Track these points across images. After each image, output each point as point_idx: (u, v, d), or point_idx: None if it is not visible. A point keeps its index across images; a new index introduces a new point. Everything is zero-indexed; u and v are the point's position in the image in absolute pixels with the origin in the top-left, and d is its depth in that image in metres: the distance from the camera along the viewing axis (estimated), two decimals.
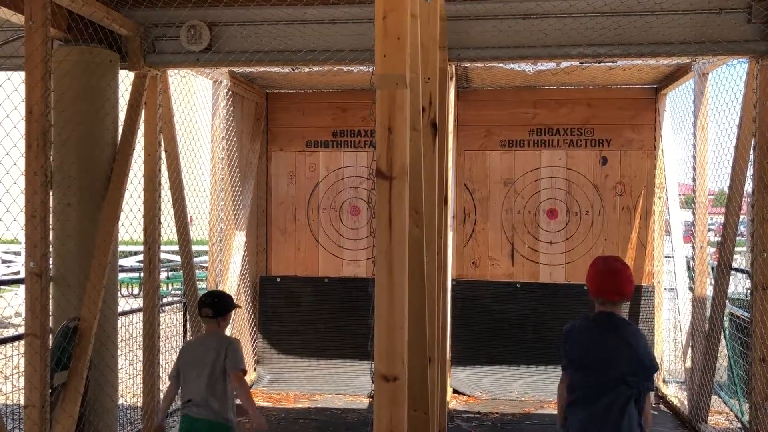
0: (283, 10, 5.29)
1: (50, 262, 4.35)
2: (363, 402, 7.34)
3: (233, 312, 4.27)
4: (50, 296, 4.37)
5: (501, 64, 5.90)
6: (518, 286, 7.87)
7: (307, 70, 6.35)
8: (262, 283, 8.21)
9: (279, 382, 7.90)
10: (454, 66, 6.19)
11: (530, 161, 7.98)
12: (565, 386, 3.48)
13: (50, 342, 4.35)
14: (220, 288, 7.12)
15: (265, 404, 7.28)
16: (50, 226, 4.31)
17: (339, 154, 8.23)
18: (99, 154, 5.10)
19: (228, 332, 7.25)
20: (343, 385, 7.76)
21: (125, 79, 5.46)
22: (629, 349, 3.29)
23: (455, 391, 7.61)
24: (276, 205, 8.33)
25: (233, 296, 7.34)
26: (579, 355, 3.41)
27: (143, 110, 5.50)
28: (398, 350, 2.51)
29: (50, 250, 4.30)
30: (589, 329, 3.45)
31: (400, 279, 2.52)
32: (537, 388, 7.53)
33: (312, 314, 8.11)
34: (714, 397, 6.61)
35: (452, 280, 7.58)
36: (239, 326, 7.66)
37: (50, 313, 4.38)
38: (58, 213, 4.87)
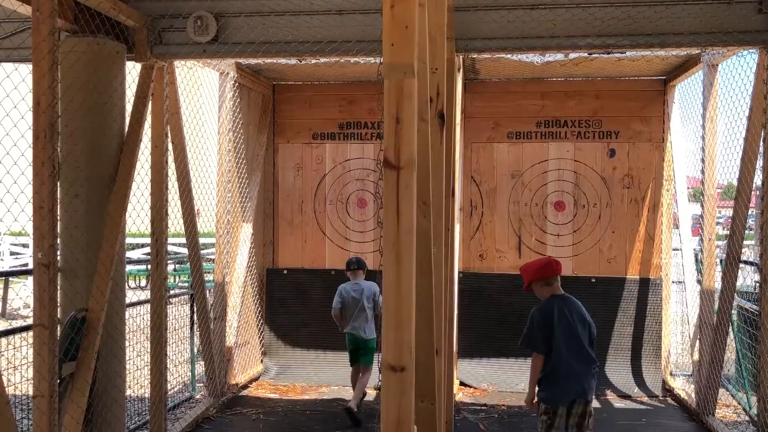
0: (289, 0, 5.28)
1: (58, 253, 4.36)
2: (370, 394, 7.35)
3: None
4: (58, 287, 4.38)
5: (509, 55, 5.88)
6: None
7: (314, 61, 6.34)
8: (269, 275, 8.22)
9: (286, 373, 7.92)
10: (461, 57, 6.17)
11: (538, 153, 7.95)
12: (541, 361, 4.45)
13: (58, 333, 4.37)
14: (227, 280, 7.14)
15: (272, 396, 7.30)
16: (58, 217, 4.31)
17: (346, 146, 8.21)
18: (106, 146, 5.10)
19: (236, 323, 7.32)
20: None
21: (132, 70, 5.45)
22: (589, 327, 4.47)
23: (462, 384, 7.61)
24: (283, 197, 8.33)
25: (241, 288, 7.39)
26: (556, 335, 4.39)
27: (150, 102, 5.49)
28: (406, 341, 2.50)
29: (58, 241, 4.31)
30: (559, 312, 4.46)
31: (408, 269, 2.51)
32: None
33: (319, 306, 8.10)
34: (721, 390, 6.59)
35: (459, 272, 7.57)
36: (246, 318, 7.68)
37: (58, 304, 4.39)
38: (66, 204, 4.87)
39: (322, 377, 7.81)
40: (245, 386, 7.55)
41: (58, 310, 4.40)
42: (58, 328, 4.39)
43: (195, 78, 6.73)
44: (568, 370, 4.33)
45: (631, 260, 7.81)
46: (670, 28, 5.08)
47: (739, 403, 6.86)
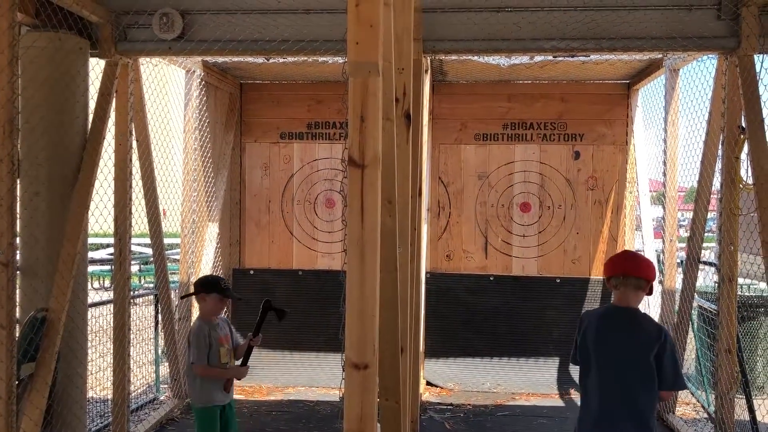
0: None
1: (17, 251, 4.28)
2: (336, 394, 7.32)
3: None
4: (17, 286, 4.29)
5: (475, 57, 5.92)
6: (491, 278, 7.93)
7: (281, 60, 6.30)
8: (236, 276, 8.16)
9: (252, 374, 7.76)
10: (429, 58, 6.19)
11: (504, 155, 8.03)
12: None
13: (17, 333, 4.28)
14: (192, 280, 7.05)
15: (238, 397, 7.23)
16: (17, 215, 4.23)
17: (314, 146, 8.19)
18: (68, 143, 5.01)
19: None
20: (317, 377, 7.75)
21: (96, 66, 5.37)
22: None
23: (428, 383, 7.64)
24: (250, 197, 8.28)
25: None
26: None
27: (114, 99, 5.41)
28: (369, 338, 2.50)
29: (17, 239, 4.22)
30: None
31: (372, 267, 2.51)
32: (509, 379, 7.59)
33: (286, 307, 8.06)
34: None
35: (426, 272, 7.60)
36: None
37: (17, 304, 4.30)
38: (26, 202, 4.77)
39: (288, 378, 7.77)
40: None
41: (17, 309, 4.31)
42: (17, 329, 4.31)
43: (161, 75, 6.65)
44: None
45: (594, 261, 7.93)
46: (633, 33, 5.18)
47: (698, 401, 7.00)
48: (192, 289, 4.40)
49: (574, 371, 7.71)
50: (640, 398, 3.13)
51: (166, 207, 7.07)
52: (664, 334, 3.20)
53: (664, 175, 6.67)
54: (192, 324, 4.44)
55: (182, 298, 6.05)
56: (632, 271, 3.25)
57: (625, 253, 3.51)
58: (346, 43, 2.55)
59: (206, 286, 4.42)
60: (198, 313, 4.58)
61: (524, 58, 6.22)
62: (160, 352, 7.25)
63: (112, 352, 5.61)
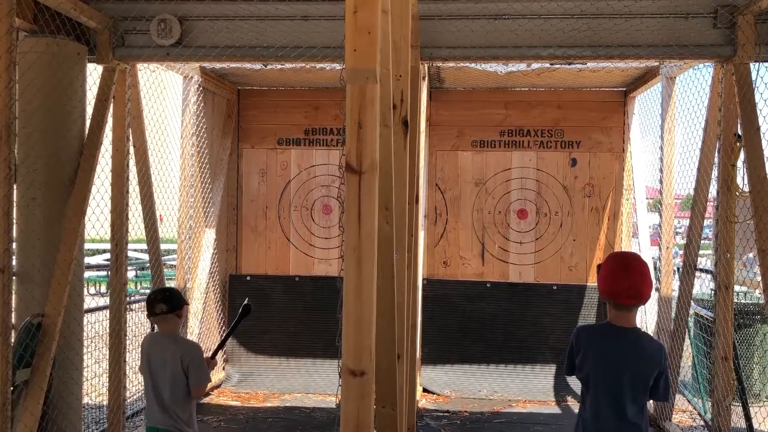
0: (255, 5, 5.27)
1: (13, 257, 4.27)
2: (333, 400, 7.32)
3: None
4: (13, 292, 4.28)
5: (473, 64, 5.94)
6: (488, 285, 7.92)
7: (279, 66, 6.32)
8: (232, 282, 8.15)
9: (248, 381, 7.84)
10: (426, 66, 6.21)
11: (501, 162, 8.04)
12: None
13: (13, 338, 4.27)
14: (189, 286, 7.04)
15: (234, 403, 7.22)
16: (14, 221, 4.22)
17: (311, 152, 8.20)
18: (65, 148, 5.00)
19: (197, 330, 7.21)
20: (313, 384, 7.74)
21: (93, 72, 5.37)
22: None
23: (425, 390, 7.63)
24: (247, 203, 8.27)
25: (203, 295, 7.28)
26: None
27: (111, 104, 5.41)
28: (366, 345, 2.50)
29: (13, 245, 4.22)
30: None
31: (369, 273, 2.51)
32: (506, 386, 7.58)
33: (282, 313, 8.07)
34: (678, 396, 6.72)
35: (423, 279, 7.60)
36: (208, 325, 7.59)
37: (13, 309, 4.29)
38: (23, 207, 4.77)
39: (285, 385, 7.75)
40: (207, 394, 7.45)
41: (13, 315, 4.30)
42: (13, 334, 4.29)
43: (158, 81, 6.65)
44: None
45: (591, 268, 7.93)
46: (630, 41, 5.20)
47: (695, 408, 7.00)
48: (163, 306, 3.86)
49: (571, 379, 7.71)
50: (638, 415, 3.18)
51: (163, 213, 7.06)
52: (664, 356, 3.21)
53: (661, 182, 6.68)
54: (176, 347, 3.88)
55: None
56: (626, 301, 3.10)
57: (616, 274, 3.11)
58: (344, 49, 2.55)
59: (181, 297, 4.01)
60: (157, 329, 4.07)
61: (521, 66, 6.24)
62: None
63: (108, 357, 5.59)
